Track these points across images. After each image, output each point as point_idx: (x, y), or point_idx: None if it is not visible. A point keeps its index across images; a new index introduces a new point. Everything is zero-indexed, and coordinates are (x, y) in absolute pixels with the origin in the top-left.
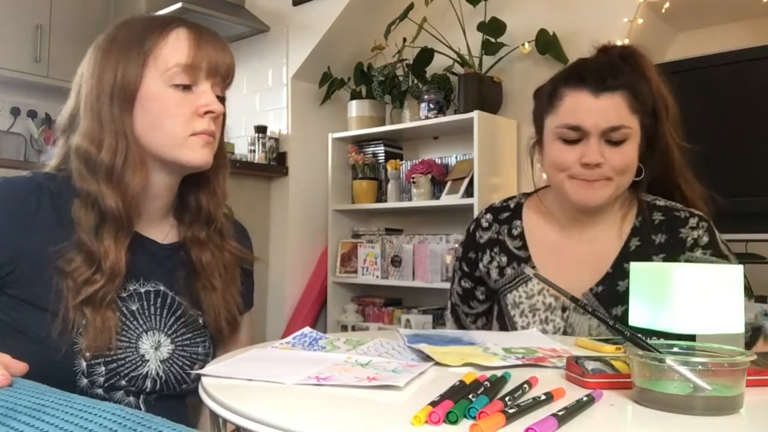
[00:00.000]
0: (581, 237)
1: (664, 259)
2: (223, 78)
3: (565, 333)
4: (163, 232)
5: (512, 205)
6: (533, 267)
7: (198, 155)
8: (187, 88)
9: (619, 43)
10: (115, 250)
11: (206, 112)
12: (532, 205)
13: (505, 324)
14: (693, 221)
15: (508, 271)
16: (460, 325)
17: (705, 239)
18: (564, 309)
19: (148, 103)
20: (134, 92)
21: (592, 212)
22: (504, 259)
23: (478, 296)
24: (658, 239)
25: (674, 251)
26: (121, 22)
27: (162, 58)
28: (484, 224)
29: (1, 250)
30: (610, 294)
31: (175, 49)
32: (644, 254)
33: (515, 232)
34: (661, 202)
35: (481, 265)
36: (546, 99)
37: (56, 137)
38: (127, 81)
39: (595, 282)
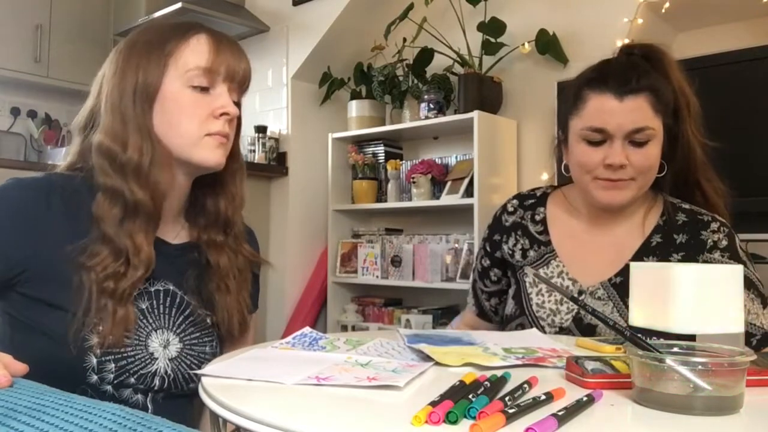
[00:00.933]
0: (603, 230)
1: (683, 258)
2: (240, 84)
3: (578, 314)
4: (174, 233)
5: (538, 194)
6: (552, 252)
7: (211, 155)
8: (204, 90)
9: (622, 42)
10: (146, 243)
11: (222, 114)
12: (556, 197)
13: (521, 301)
14: (715, 225)
15: (531, 253)
16: (477, 300)
17: (724, 243)
18: (580, 293)
19: (166, 103)
20: (155, 93)
21: (616, 210)
22: (526, 241)
23: (492, 277)
24: (680, 239)
25: (693, 251)
26: (143, 27)
27: (182, 60)
28: (510, 209)
29: (12, 251)
30: (628, 285)
31: (195, 53)
32: (665, 251)
33: (537, 218)
34: (686, 206)
35: (506, 248)
36: (571, 100)
37: (72, 136)
38: (149, 82)
39: (615, 273)
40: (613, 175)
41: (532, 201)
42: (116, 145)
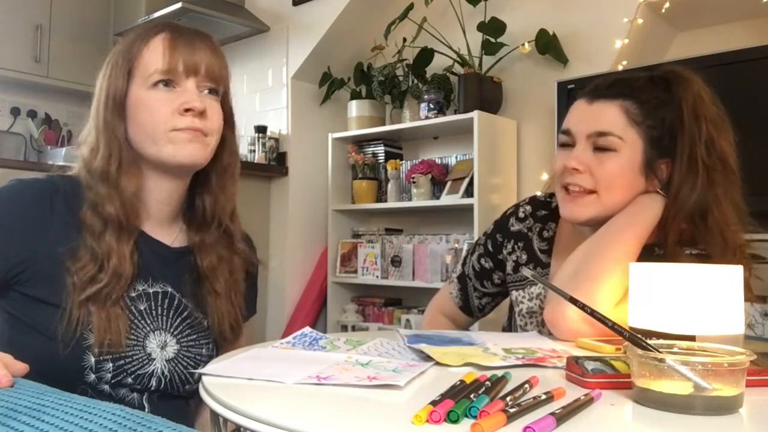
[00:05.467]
0: None
1: None
2: (209, 75)
3: None
4: (171, 236)
5: (554, 204)
6: (546, 276)
7: (180, 151)
8: (167, 85)
9: (622, 42)
10: (117, 250)
11: (187, 110)
12: None
13: (510, 318)
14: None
15: (522, 270)
16: (465, 295)
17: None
18: None
19: (134, 108)
20: (122, 100)
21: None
22: (524, 256)
23: (495, 280)
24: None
25: None
26: (124, 36)
27: (143, 67)
28: (521, 214)
29: (14, 251)
30: None
31: (152, 55)
32: None
33: (546, 234)
34: (693, 251)
35: (504, 251)
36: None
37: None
38: (117, 90)
39: None
40: (571, 180)
41: (545, 212)
42: (92, 156)
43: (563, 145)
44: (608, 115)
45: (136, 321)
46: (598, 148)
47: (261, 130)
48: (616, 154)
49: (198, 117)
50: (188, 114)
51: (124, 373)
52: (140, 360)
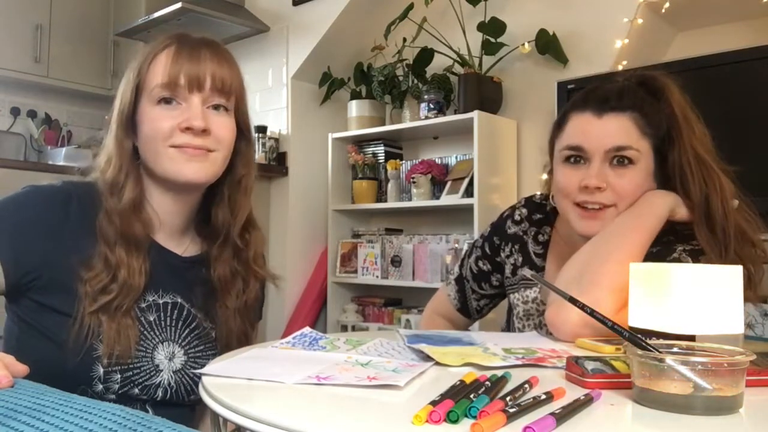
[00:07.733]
0: None
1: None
2: (216, 89)
3: None
4: (183, 246)
5: (548, 208)
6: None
7: (181, 168)
8: (168, 102)
9: (622, 42)
10: (127, 263)
11: (187, 128)
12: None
13: (508, 320)
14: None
15: (520, 272)
16: (463, 297)
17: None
18: None
19: (142, 125)
20: (131, 115)
21: None
22: (520, 259)
23: (492, 281)
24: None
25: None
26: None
27: (148, 81)
28: (517, 217)
29: (27, 258)
30: None
31: (156, 69)
32: None
33: (541, 239)
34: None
35: (502, 254)
36: (556, 124)
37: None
38: (125, 104)
39: None
40: (590, 198)
41: (540, 216)
42: (107, 166)
43: (570, 160)
44: (623, 129)
45: (145, 332)
46: (617, 163)
47: (261, 130)
48: (635, 166)
49: (199, 135)
50: (188, 132)
51: (131, 384)
52: (148, 371)
